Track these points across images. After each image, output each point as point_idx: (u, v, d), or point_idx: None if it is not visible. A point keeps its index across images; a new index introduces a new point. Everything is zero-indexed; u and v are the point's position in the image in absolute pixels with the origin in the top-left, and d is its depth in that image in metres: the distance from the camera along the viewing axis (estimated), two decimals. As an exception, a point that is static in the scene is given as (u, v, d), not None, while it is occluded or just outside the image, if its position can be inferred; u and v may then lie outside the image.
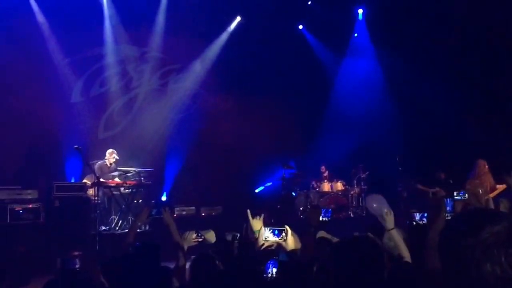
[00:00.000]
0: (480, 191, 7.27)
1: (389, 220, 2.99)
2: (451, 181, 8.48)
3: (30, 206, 7.12)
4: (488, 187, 7.49)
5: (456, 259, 1.10)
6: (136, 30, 10.05)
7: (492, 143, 9.30)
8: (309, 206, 9.59)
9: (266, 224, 3.64)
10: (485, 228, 1.07)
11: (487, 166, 7.72)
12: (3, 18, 8.48)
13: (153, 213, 3.69)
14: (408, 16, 10.27)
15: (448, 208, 5.34)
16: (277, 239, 3.24)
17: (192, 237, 3.44)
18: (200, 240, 3.44)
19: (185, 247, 3.38)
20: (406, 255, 2.84)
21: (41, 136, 8.74)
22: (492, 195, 7.23)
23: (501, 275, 1.04)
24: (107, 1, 9.79)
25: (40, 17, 9.22)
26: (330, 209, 4.89)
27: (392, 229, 2.97)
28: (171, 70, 10.81)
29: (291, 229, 3.52)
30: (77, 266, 5.13)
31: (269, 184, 11.06)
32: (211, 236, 3.37)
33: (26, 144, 8.61)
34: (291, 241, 3.23)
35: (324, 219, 4.35)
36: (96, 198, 7.49)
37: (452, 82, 10.27)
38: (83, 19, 9.26)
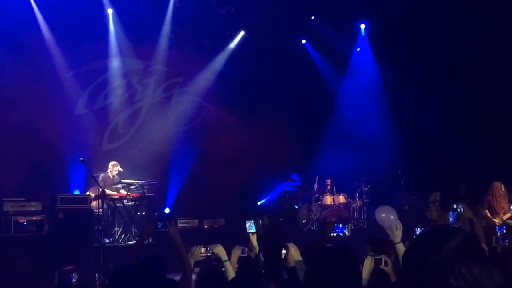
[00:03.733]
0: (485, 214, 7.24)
1: (397, 234, 3.07)
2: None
3: (34, 218, 7.13)
4: (502, 211, 7.45)
5: (422, 276, 1.13)
6: (141, 43, 10.18)
7: (493, 158, 9.35)
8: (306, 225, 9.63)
9: None
10: (444, 244, 1.12)
11: (503, 189, 7.66)
12: (9, 31, 8.60)
13: (159, 226, 3.72)
14: (410, 32, 10.40)
15: (451, 220, 5.34)
16: None
17: (200, 252, 3.41)
18: (208, 254, 3.41)
19: (192, 262, 3.37)
20: None
21: (45, 148, 8.78)
22: (505, 217, 7.24)
23: (465, 286, 1.08)
24: (112, 15, 9.94)
25: (45, 30, 9.35)
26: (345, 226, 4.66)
27: (399, 242, 3.02)
28: (175, 83, 10.93)
29: (293, 243, 3.52)
30: (73, 280, 5.11)
31: (263, 201, 11.12)
32: (219, 251, 3.35)
33: (30, 156, 8.64)
34: (291, 257, 3.22)
35: (334, 234, 4.28)
36: (99, 210, 7.53)
37: (454, 97, 10.36)
38: (88, 32, 9.38)
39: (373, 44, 11.48)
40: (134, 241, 7.48)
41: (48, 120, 8.82)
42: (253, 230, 3.54)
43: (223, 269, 3.24)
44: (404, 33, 10.45)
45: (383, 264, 2.99)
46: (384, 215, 3.28)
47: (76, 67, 9.71)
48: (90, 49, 9.68)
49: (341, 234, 4.33)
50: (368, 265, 3.06)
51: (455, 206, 4.76)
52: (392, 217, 3.13)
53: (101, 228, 7.44)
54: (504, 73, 9.52)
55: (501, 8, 9.04)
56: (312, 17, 11.02)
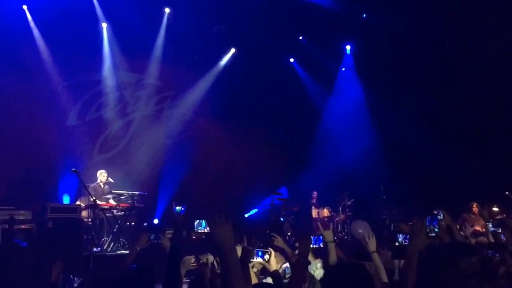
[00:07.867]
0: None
1: (371, 244, 3.24)
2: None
3: (23, 226, 7.16)
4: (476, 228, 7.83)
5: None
6: (134, 57, 10.42)
7: (473, 173, 9.71)
8: (292, 237, 9.74)
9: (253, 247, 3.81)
10: (462, 259, 1.22)
11: (476, 208, 8.08)
12: (4, 42, 8.74)
13: (151, 238, 3.88)
14: (393, 53, 10.85)
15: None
16: (260, 260, 3.45)
17: (190, 262, 3.60)
18: (198, 264, 3.58)
19: (184, 271, 3.55)
20: (384, 277, 3.06)
21: (37, 158, 8.87)
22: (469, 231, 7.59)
23: None
24: (107, 29, 10.19)
25: (40, 42, 9.54)
26: (321, 236, 4.40)
27: (373, 252, 3.20)
28: (167, 97, 11.18)
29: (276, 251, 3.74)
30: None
31: (255, 210, 11.30)
32: (209, 260, 3.52)
33: (22, 165, 8.72)
34: (274, 262, 3.41)
35: (315, 246, 4.18)
36: (89, 220, 7.64)
37: (435, 115, 10.76)
38: (83, 45, 9.60)
39: (357, 64, 11.92)
40: (123, 251, 7.65)
41: (40, 130, 8.96)
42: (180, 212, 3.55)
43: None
44: (387, 53, 10.89)
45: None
46: (360, 230, 3.49)
47: (70, 79, 9.89)
48: (84, 61, 9.89)
49: (320, 246, 4.20)
50: None
51: (435, 212, 4.89)
52: (361, 230, 3.32)
53: (90, 237, 7.56)
54: (483, 90, 9.92)
55: (477, 25, 9.51)
56: (300, 37, 11.42)
